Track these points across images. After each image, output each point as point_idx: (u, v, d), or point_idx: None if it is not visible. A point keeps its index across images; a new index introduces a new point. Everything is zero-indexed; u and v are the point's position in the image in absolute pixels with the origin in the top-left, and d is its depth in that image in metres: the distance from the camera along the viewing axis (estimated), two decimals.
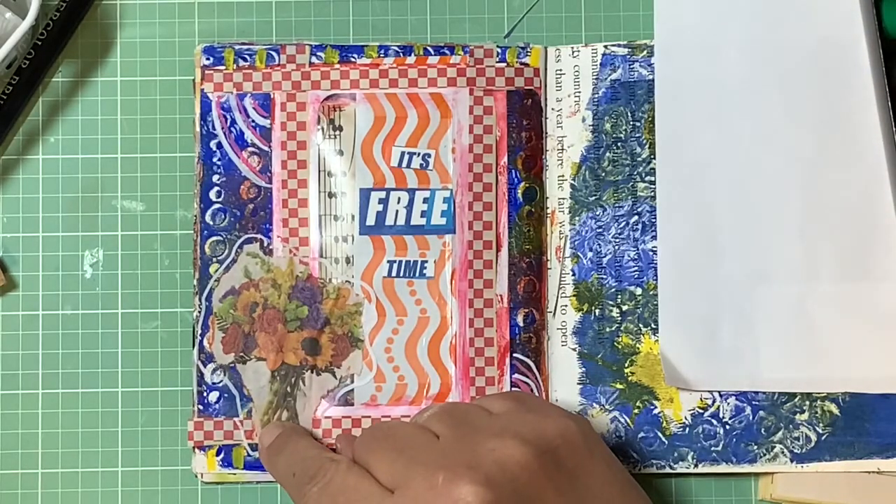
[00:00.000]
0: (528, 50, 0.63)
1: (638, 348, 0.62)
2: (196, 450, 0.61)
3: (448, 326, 0.62)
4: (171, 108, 0.63)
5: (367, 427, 0.60)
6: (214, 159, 0.62)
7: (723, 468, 0.61)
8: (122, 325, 0.62)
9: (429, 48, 0.63)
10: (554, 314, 0.62)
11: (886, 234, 0.61)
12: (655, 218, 0.62)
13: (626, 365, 0.62)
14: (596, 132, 0.63)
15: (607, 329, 0.62)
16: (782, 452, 0.61)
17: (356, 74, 0.62)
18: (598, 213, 0.62)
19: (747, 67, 0.62)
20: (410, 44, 0.63)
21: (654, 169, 0.62)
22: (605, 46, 0.63)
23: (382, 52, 0.62)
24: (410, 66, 0.62)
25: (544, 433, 0.52)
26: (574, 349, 0.62)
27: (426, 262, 0.62)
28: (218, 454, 0.61)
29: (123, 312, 0.62)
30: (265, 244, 0.62)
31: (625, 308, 0.62)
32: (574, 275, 0.62)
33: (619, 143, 0.62)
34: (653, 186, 0.62)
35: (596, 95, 0.63)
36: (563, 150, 0.63)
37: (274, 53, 0.62)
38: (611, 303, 0.62)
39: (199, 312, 0.61)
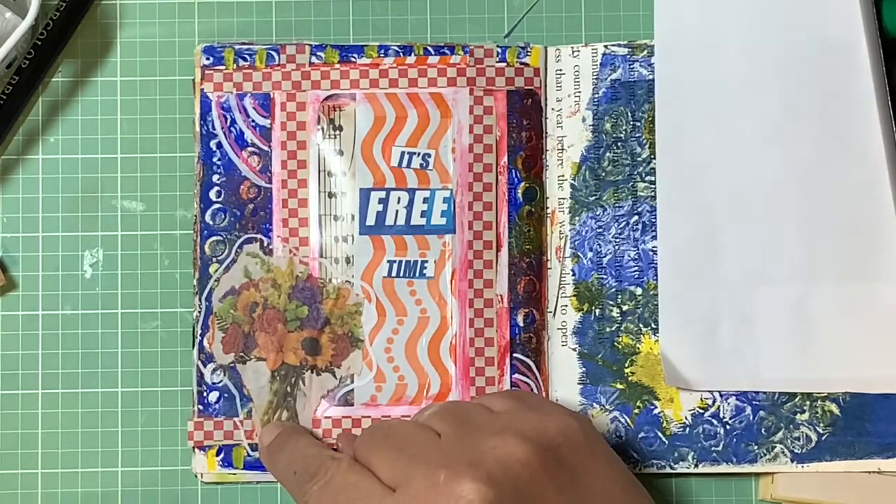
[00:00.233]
0: (528, 50, 0.63)
1: (638, 348, 0.62)
2: (196, 450, 0.61)
3: (448, 326, 0.62)
4: (171, 108, 0.63)
5: (368, 426, 0.60)
6: (214, 159, 0.62)
7: (723, 468, 0.61)
8: (122, 325, 0.62)
9: (429, 48, 0.63)
10: (554, 314, 0.62)
11: (886, 234, 0.61)
12: (655, 218, 0.62)
13: (627, 365, 0.62)
14: (596, 132, 0.63)
15: (607, 329, 0.62)
16: (783, 452, 0.61)
17: (356, 74, 0.62)
18: (598, 213, 0.62)
19: (747, 67, 0.62)
20: (410, 44, 0.63)
21: (654, 169, 0.62)
22: (605, 46, 0.63)
23: (382, 51, 0.62)
24: (410, 65, 0.62)
25: (546, 431, 0.52)
26: (574, 349, 0.62)
27: (426, 262, 0.62)
28: (218, 454, 0.61)
29: (123, 312, 0.62)
30: (265, 244, 0.62)
31: (625, 308, 0.62)
32: (574, 275, 0.62)
33: (619, 143, 0.62)
34: (653, 186, 0.62)
35: (596, 95, 0.63)
36: (563, 149, 0.63)
37: (274, 53, 0.62)
38: (611, 303, 0.62)
39: (199, 312, 0.61)
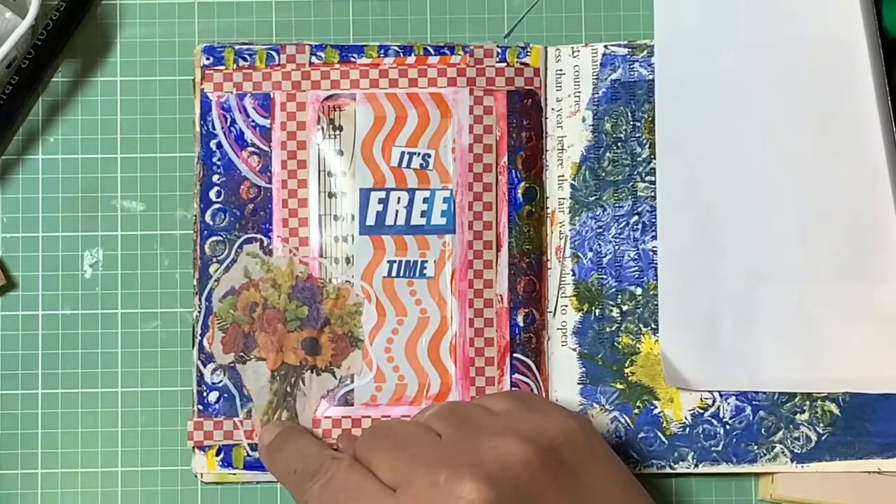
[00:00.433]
0: (528, 50, 0.63)
1: (638, 348, 0.62)
2: (196, 450, 0.61)
3: (448, 326, 0.62)
4: (170, 108, 0.63)
5: (369, 426, 0.60)
6: (214, 159, 0.62)
7: (723, 468, 0.61)
8: (122, 325, 0.62)
9: (429, 48, 0.63)
10: (554, 314, 0.62)
11: (886, 234, 0.61)
12: (655, 218, 0.62)
13: (627, 365, 0.62)
14: (596, 132, 0.63)
15: (607, 329, 0.62)
16: (782, 452, 0.61)
17: (356, 74, 0.62)
18: (598, 213, 0.62)
19: (747, 67, 0.62)
20: (410, 44, 0.63)
21: (654, 169, 0.62)
22: (605, 46, 0.63)
23: (382, 51, 0.62)
24: (410, 66, 0.62)
25: (546, 432, 0.52)
26: (574, 349, 0.62)
27: (426, 262, 0.62)
28: (218, 454, 0.61)
29: (123, 312, 0.62)
30: (265, 244, 0.62)
31: (625, 308, 0.62)
32: (574, 275, 0.62)
33: (619, 143, 0.62)
34: (653, 186, 0.62)
35: (596, 95, 0.63)
36: (563, 150, 0.63)
37: (274, 53, 0.62)
38: (611, 303, 0.62)
39: (199, 312, 0.61)
